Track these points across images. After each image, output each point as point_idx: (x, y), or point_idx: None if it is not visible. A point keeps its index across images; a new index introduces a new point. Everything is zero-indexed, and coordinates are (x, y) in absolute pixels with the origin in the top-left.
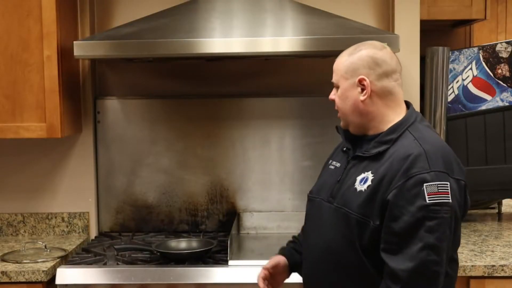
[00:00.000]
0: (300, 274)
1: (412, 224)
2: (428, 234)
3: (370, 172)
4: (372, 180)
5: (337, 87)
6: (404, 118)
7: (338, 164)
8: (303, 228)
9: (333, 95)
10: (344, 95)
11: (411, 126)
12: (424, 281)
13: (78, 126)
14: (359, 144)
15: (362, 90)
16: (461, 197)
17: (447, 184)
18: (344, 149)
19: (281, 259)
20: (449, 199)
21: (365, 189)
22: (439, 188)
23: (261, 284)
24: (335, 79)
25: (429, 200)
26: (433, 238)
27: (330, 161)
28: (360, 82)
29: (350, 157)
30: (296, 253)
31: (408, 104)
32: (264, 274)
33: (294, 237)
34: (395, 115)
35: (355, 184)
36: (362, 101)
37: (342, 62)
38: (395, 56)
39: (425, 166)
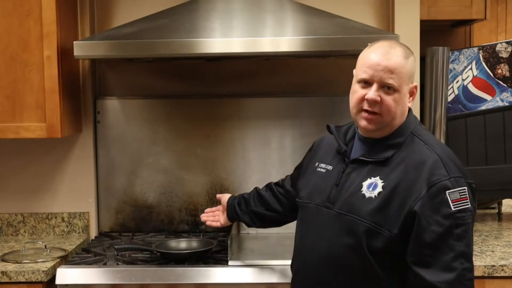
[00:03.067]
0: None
1: (441, 233)
2: (458, 242)
3: (378, 177)
4: (383, 187)
5: (390, 88)
6: (407, 120)
7: (329, 167)
8: (296, 232)
9: (377, 95)
10: (402, 100)
11: (415, 129)
12: None
13: (78, 126)
14: (357, 146)
15: (410, 96)
16: (475, 200)
17: (466, 189)
18: (343, 151)
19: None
20: (469, 204)
21: (375, 196)
22: (460, 194)
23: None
24: (397, 82)
25: (454, 208)
26: (463, 245)
27: (317, 163)
28: (416, 88)
29: (349, 160)
30: (237, 207)
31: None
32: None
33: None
34: (401, 118)
35: (362, 189)
36: (408, 107)
37: (403, 66)
38: None
39: (444, 172)
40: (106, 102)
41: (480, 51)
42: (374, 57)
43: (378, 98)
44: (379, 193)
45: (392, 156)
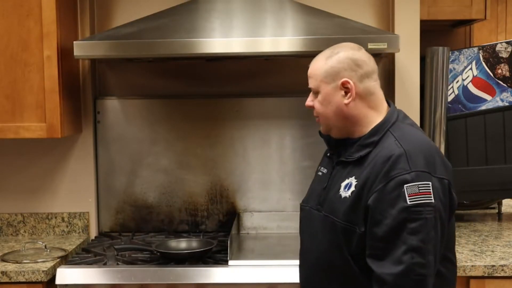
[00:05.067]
0: None
1: (394, 227)
2: (411, 236)
3: (353, 177)
4: (355, 186)
5: (316, 93)
6: (385, 118)
7: (325, 170)
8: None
9: (310, 101)
10: (326, 100)
11: (393, 126)
12: (410, 284)
13: (78, 126)
14: (343, 148)
15: (346, 93)
16: (445, 196)
17: (429, 184)
18: (328, 154)
19: None
20: (431, 199)
21: (349, 196)
22: (420, 188)
23: None
24: (313, 84)
25: (410, 202)
26: (417, 240)
27: (319, 167)
28: (344, 85)
29: (335, 162)
30: None
31: (389, 103)
32: None
33: None
34: (377, 116)
35: (340, 190)
36: (346, 105)
37: (321, 67)
38: (371, 56)
39: (406, 166)
40: (106, 102)
41: (480, 51)
42: None
43: (310, 103)
44: (352, 192)
45: (367, 155)
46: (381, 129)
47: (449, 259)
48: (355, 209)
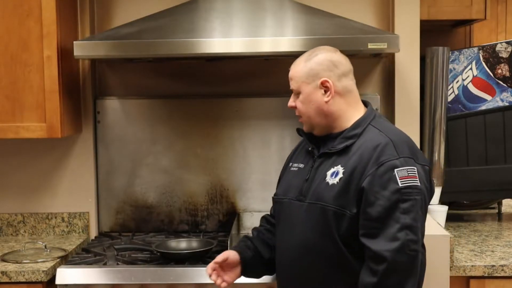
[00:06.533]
0: (253, 274)
1: (388, 207)
2: (404, 215)
3: (340, 166)
4: (343, 173)
5: (297, 93)
6: (366, 114)
7: (301, 165)
8: (275, 232)
9: (292, 102)
10: (307, 99)
11: (373, 121)
12: (405, 259)
13: (78, 126)
14: (322, 143)
15: (325, 91)
16: (427, 181)
17: (415, 169)
18: (310, 149)
19: (231, 253)
20: (418, 183)
21: (337, 182)
22: (408, 172)
23: (211, 273)
24: (294, 86)
25: (401, 184)
26: (409, 218)
27: (291, 163)
28: (323, 84)
29: (316, 155)
30: (248, 250)
31: (366, 103)
32: (213, 266)
33: (246, 236)
34: (356, 112)
35: (326, 178)
36: (326, 102)
37: (301, 69)
38: (347, 57)
39: (394, 153)
40: (106, 102)
41: (480, 51)
42: None
43: (293, 104)
44: (340, 178)
45: (352, 145)
46: (363, 123)
47: (423, 243)
48: (345, 193)
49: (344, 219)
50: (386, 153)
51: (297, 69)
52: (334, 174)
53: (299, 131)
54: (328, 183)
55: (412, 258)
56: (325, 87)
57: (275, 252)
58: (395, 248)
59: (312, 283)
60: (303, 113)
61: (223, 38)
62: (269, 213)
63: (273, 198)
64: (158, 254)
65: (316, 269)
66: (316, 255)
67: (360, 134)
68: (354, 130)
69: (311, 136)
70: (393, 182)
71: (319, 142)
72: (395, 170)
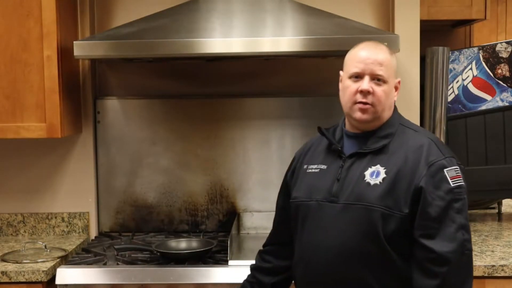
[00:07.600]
0: None
1: (444, 207)
2: (458, 215)
3: (379, 165)
4: (386, 173)
5: (379, 80)
6: (395, 114)
7: (323, 166)
8: (297, 232)
9: (370, 87)
10: (391, 92)
11: (401, 120)
12: (465, 259)
13: (78, 126)
14: (347, 142)
15: (395, 90)
16: (465, 180)
17: (458, 168)
18: (339, 148)
19: None
20: (463, 182)
21: (380, 182)
22: (456, 172)
23: None
24: (385, 73)
25: (452, 184)
26: (463, 218)
27: (306, 166)
28: (399, 83)
29: (346, 156)
30: None
31: None
32: None
33: (251, 276)
34: (389, 111)
35: (366, 178)
36: (395, 101)
37: (390, 60)
38: None
39: (439, 153)
40: (106, 102)
41: (480, 51)
42: (363, 53)
43: (371, 89)
44: (384, 178)
45: (388, 144)
46: (395, 123)
47: None
48: (392, 194)
49: (392, 220)
50: (433, 153)
51: (387, 58)
52: (375, 174)
53: (321, 129)
54: (369, 183)
55: (469, 258)
56: (397, 87)
57: (297, 256)
58: (455, 249)
59: (350, 283)
60: (378, 102)
61: (223, 38)
62: (265, 242)
63: (293, 202)
64: (158, 254)
65: (356, 269)
66: (357, 255)
67: (395, 133)
68: (388, 129)
69: (335, 135)
70: (445, 182)
71: (340, 142)
72: (445, 170)
